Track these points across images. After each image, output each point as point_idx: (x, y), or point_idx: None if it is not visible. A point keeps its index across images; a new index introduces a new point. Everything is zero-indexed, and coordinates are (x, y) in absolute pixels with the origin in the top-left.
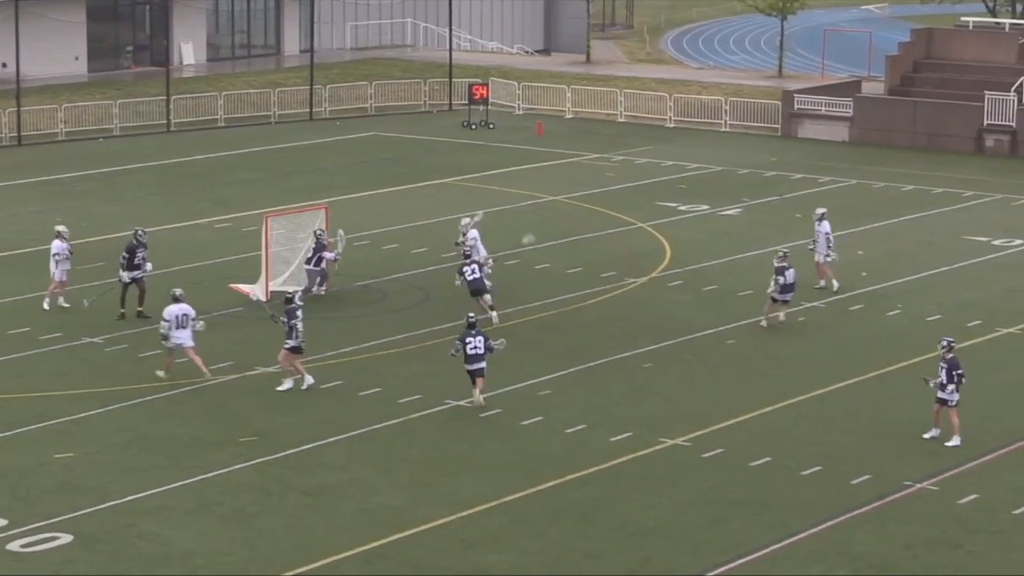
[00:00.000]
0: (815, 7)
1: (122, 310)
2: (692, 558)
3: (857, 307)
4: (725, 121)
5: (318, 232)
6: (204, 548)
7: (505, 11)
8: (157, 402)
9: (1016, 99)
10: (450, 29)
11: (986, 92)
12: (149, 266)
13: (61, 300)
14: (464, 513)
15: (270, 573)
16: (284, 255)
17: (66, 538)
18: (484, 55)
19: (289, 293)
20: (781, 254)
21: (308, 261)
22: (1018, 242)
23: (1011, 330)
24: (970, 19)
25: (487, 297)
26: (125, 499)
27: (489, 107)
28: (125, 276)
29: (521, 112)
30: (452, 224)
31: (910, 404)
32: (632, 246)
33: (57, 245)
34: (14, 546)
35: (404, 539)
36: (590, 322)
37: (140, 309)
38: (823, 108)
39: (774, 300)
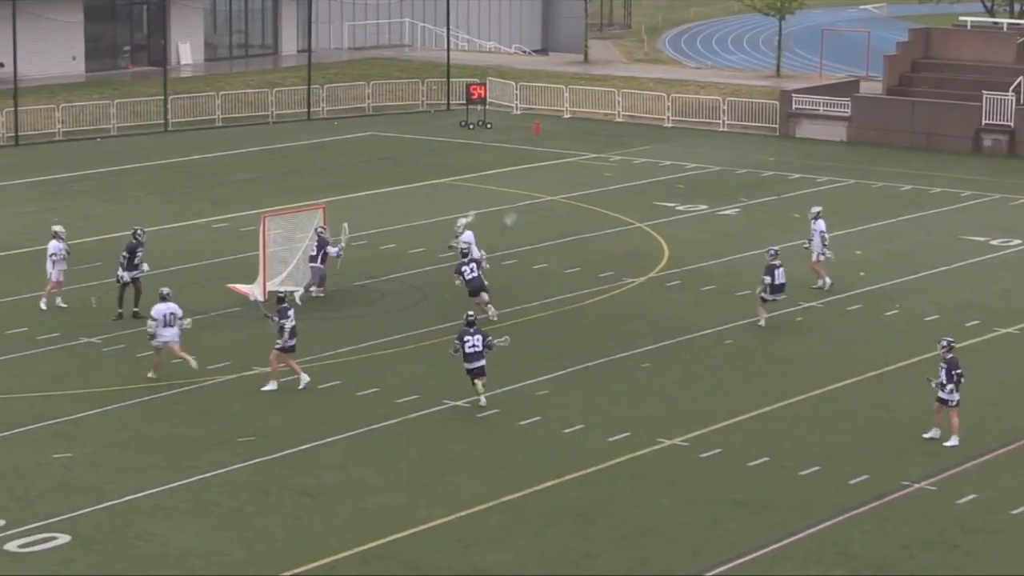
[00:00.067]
0: (813, 7)
1: (119, 310)
2: (690, 558)
3: (855, 307)
4: (723, 121)
5: (319, 230)
6: (202, 548)
7: (503, 11)
8: (155, 402)
9: (1014, 99)
10: (448, 29)
11: (984, 92)
12: (146, 266)
13: (59, 300)
14: (462, 513)
15: (268, 573)
16: (282, 255)
17: (64, 538)
18: (482, 55)
19: (281, 293)
20: (772, 252)
21: (313, 259)
22: (1016, 242)
23: (1009, 330)
24: (968, 19)
25: (484, 295)
26: (123, 499)
27: (487, 107)
28: (125, 276)
29: (519, 112)
30: (450, 224)
31: (908, 404)
32: (630, 246)
33: (54, 245)
34: (12, 546)
35: (402, 539)
36: (588, 322)
37: (136, 309)
38: (821, 108)
39: (763, 300)
